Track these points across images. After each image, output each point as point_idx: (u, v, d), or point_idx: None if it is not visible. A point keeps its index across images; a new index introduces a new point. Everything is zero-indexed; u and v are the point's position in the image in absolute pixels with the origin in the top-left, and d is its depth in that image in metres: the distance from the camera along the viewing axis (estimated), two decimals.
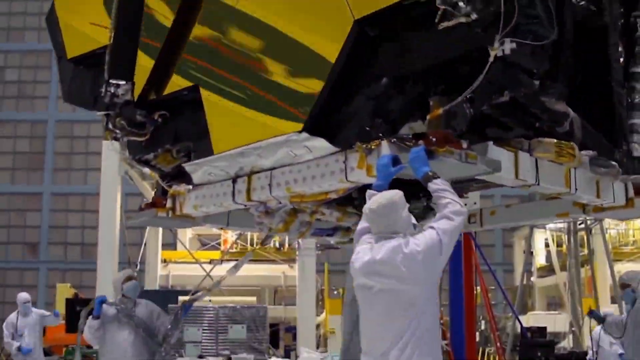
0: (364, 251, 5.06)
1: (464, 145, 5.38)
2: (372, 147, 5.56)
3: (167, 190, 7.66)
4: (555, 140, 5.91)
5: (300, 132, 5.74)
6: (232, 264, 10.44)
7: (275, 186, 6.39)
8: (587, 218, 17.45)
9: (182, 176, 7.49)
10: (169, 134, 7.27)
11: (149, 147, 7.36)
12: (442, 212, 5.00)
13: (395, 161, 5.30)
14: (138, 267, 20.35)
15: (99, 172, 20.42)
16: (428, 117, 5.43)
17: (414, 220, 5.09)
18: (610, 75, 6.27)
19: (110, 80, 6.87)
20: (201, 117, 6.72)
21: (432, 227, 4.92)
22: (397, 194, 5.04)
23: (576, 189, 6.48)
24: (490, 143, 5.70)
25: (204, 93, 6.61)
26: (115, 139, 7.26)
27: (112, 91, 6.84)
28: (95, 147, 40.28)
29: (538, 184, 6.15)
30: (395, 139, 5.52)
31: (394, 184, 5.38)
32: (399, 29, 5.52)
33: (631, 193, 7.07)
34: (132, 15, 6.87)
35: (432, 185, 5.10)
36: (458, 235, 5.07)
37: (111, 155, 17.68)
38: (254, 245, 24.91)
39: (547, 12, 5.21)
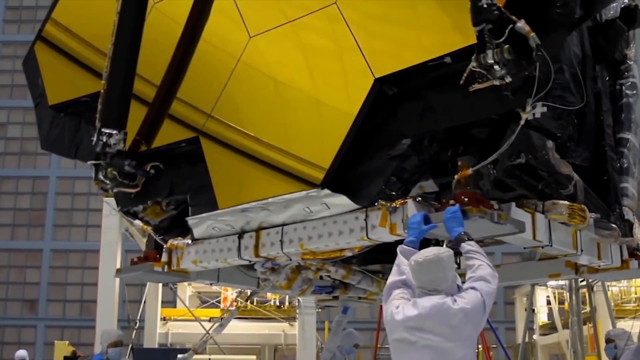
0: (406, 305, 4.91)
1: (495, 206, 5.42)
2: (397, 205, 5.60)
3: (161, 243, 7.52)
4: (568, 203, 5.99)
5: (322, 188, 5.70)
6: (233, 322, 10.36)
7: (288, 242, 6.34)
8: (579, 278, 17.42)
9: (176, 229, 7.44)
10: (163, 186, 7.18)
11: (138, 199, 7.25)
12: (479, 274, 4.93)
13: (426, 220, 5.32)
14: (137, 324, 20.17)
15: (100, 229, 20.36)
16: (456, 177, 5.46)
17: (458, 282, 5.02)
18: (604, 140, 6.44)
19: (103, 129, 6.69)
20: (200, 170, 6.68)
21: (474, 288, 4.85)
22: (445, 252, 4.94)
23: (582, 250, 6.54)
24: (513, 204, 5.74)
25: (207, 147, 6.59)
26: (105, 190, 7.09)
27: (104, 140, 6.66)
28: (96, 204, 40.21)
29: (551, 245, 6.17)
30: (420, 198, 5.59)
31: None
32: (419, 88, 5.54)
33: (625, 255, 7.11)
34: (126, 64, 6.75)
35: (466, 246, 5.07)
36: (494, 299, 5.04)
37: (112, 212, 17.64)
38: (254, 304, 24.78)
39: (575, 79, 5.40)
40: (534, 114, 5.18)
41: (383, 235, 5.76)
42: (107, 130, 6.66)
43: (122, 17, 6.73)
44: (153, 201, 7.40)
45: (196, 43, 6.83)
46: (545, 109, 5.21)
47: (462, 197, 5.33)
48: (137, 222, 7.63)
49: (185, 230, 7.25)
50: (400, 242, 5.39)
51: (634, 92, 6.90)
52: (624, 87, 6.86)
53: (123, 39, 6.72)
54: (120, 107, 6.77)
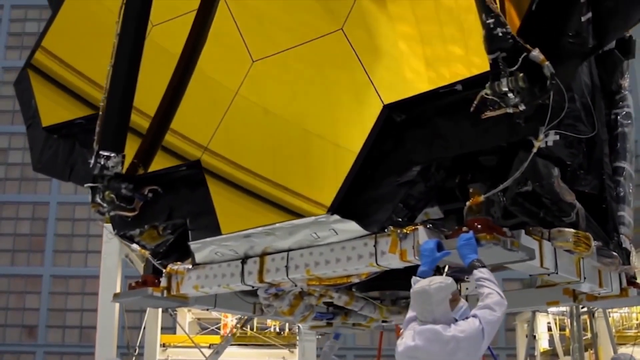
0: (408, 336, 4.95)
1: (508, 233, 5.42)
2: (407, 231, 5.58)
3: (160, 268, 7.45)
4: (573, 231, 6.01)
5: (331, 213, 5.68)
6: (233, 349, 10.30)
7: (293, 268, 6.29)
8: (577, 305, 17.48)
9: (174, 254, 7.39)
10: (161, 210, 7.13)
11: (136, 222, 7.18)
12: (485, 303, 4.93)
13: (439, 247, 5.30)
14: (137, 351, 20.07)
15: (99, 255, 20.30)
16: (468, 204, 5.47)
17: (463, 310, 5.01)
18: (602, 169, 6.49)
19: (101, 152, 6.64)
20: (200, 194, 6.66)
21: (475, 316, 4.84)
22: (435, 284, 4.90)
23: (585, 278, 6.54)
24: (522, 231, 5.74)
25: (208, 178, 6.56)
26: (101, 213, 6.96)
27: (102, 163, 6.60)
28: (96, 229, 40.10)
29: (557, 273, 6.18)
30: (430, 225, 5.59)
31: None
32: (428, 115, 5.57)
33: (624, 283, 7.14)
34: (125, 86, 6.72)
35: (477, 273, 5.06)
36: (498, 327, 5.03)
37: (112, 238, 17.61)
38: (254, 330, 24.68)
39: (585, 108, 5.47)
40: (546, 142, 5.22)
41: (393, 262, 5.74)
42: (105, 153, 6.62)
43: (122, 39, 6.73)
44: (150, 225, 7.34)
45: (196, 60, 6.83)
46: (557, 137, 5.26)
47: (475, 223, 5.34)
48: (135, 246, 7.57)
49: (183, 255, 7.20)
50: (410, 268, 5.41)
51: (629, 121, 6.98)
52: (619, 117, 6.94)
53: (122, 61, 6.71)
54: (118, 129, 6.74)
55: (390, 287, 7.84)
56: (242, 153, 6.51)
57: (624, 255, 6.68)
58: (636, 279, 7.27)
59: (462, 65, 5.38)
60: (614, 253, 6.56)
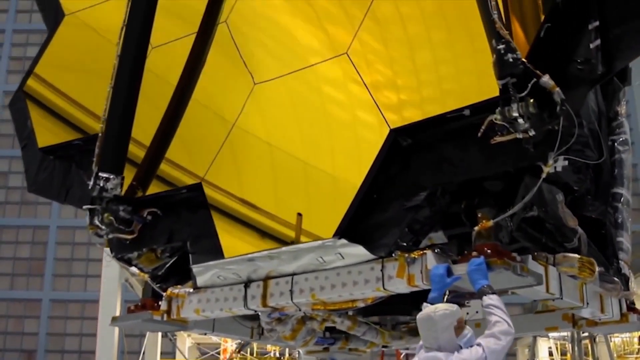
0: None
1: (518, 258, 5.41)
2: (415, 256, 5.57)
3: (159, 291, 7.37)
4: (578, 256, 6.01)
5: (339, 237, 5.66)
6: None
7: (298, 292, 6.24)
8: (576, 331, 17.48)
9: (174, 277, 7.32)
10: (161, 233, 7.07)
11: (134, 245, 7.12)
12: (492, 331, 4.89)
13: (449, 272, 5.28)
14: None
15: (99, 279, 20.25)
16: (477, 228, 5.45)
17: (468, 337, 4.96)
18: (609, 195, 6.58)
19: (100, 173, 6.63)
20: (201, 217, 6.63)
21: (479, 345, 4.81)
22: (440, 311, 4.89)
23: (587, 303, 6.52)
24: (530, 257, 5.73)
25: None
26: (99, 235, 6.93)
27: (101, 185, 6.60)
28: (96, 253, 40.04)
29: (562, 298, 6.15)
30: (438, 249, 5.57)
31: None
32: (435, 140, 5.59)
33: (624, 308, 7.12)
34: (126, 107, 6.72)
35: (487, 300, 5.02)
36: (504, 356, 4.97)
37: (112, 262, 17.60)
38: (254, 355, 24.58)
39: (593, 134, 5.51)
40: (555, 168, 5.19)
41: (400, 287, 5.72)
42: (104, 175, 6.60)
43: (122, 60, 6.76)
44: (148, 248, 7.27)
45: (195, 83, 6.87)
46: (566, 162, 5.25)
47: (485, 248, 5.31)
48: (135, 269, 7.48)
49: (183, 278, 7.15)
50: (417, 293, 5.42)
51: (626, 147, 7.00)
52: (616, 144, 6.96)
53: (122, 82, 6.73)
54: (117, 150, 6.74)
55: (390, 312, 7.79)
56: (241, 184, 6.52)
57: (623, 281, 6.69)
58: (634, 304, 7.26)
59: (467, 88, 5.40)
60: (616, 279, 6.56)
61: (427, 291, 5.33)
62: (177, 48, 7.25)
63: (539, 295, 6.10)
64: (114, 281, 19.04)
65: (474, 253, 5.30)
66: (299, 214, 5.81)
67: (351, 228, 5.67)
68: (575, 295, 6.40)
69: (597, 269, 6.12)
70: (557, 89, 4.87)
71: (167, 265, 7.49)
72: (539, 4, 5.49)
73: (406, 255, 5.60)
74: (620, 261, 6.71)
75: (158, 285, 7.43)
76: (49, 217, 47.00)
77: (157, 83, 7.15)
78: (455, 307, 4.93)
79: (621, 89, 7.06)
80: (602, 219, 6.60)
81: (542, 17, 5.34)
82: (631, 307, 7.17)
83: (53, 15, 8.78)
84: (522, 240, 5.95)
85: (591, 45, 5.17)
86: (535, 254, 5.95)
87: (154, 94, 7.01)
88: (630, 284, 6.83)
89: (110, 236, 6.92)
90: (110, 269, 19.26)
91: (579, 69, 5.14)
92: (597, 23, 5.22)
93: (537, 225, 5.89)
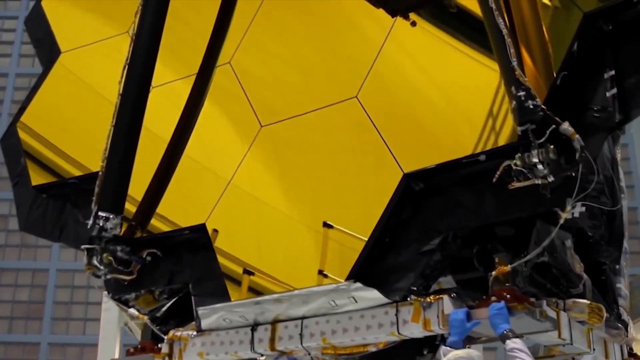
0: None
1: (536, 303, 5.44)
2: (431, 300, 5.57)
3: (159, 334, 7.24)
4: (587, 302, 6.01)
5: (354, 281, 5.65)
6: None
7: (308, 336, 6.16)
8: None
9: (174, 320, 7.23)
10: (161, 274, 6.99)
11: (133, 286, 7.04)
12: None
13: (468, 316, 5.31)
14: None
15: (98, 323, 20.09)
16: (494, 273, 5.48)
17: None
18: (622, 241, 6.54)
19: (99, 213, 6.57)
20: (203, 258, 6.60)
21: None
22: (466, 355, 4.98)
23: (594, 349, 6.47)
24: (544, 302, 5.71)
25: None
26: (96, 276, 6.83)
27: (101, 224, 6.53)
28: (95, 297, 39.87)
29: (572, 344, 6.11)
30: (454, 294, 5.59)
31: None
32: (448, 184, 5.64)
33: (625, 354, 7.13)
34: (126, 146, 6.72)
35: (511, 344, 5.06)
36: None
37: (111, 305, 17.47)
38: None
39: (607, 181, 5.62)
40: (572, 214, 5.26)
41: (415, 331, 5.68)
42: (104, 214, 6.55)
43: (124, 99, 6.76)
44: (147, 290, 7.18)
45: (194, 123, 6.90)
46: (583, 209, 5.32)
47: (504, 293, 5.34)
48: (134, 311, 7.38)
49: (183, 321, 7.06)
50: (418, 340, 5.41)
51: (622, 195, 7.04)
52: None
53: (123, 121, 6.72)
54: (117, 190, 6.69)
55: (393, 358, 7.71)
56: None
57: (624, 327, 6.71)
58: (633, 350, 7.29)
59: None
60: (620, 325, 6.59)
61: (428, 337, 5.47)
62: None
63: (552, 341, 6.07)
64: (113, 325, 18.86)
65: (493, 298, 5.33)
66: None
67: (364, 272, 5.67)
68: (583, 340, 6.37)
69: (605, 314, 6.11)
70: (577, 136, 4.94)
71: (166, 307, 7.39)
72: (543, 31, 5.63)
73: (422, 299, 5.59)
74: (620, 307, 6.71)
75: (158, 327, 7.31)
76: (48, 260, 46.86)
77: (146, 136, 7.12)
78: (475, 353, 5.03)
79: (619, 137, 7.09)
80: (602, 265, 6.59)
81: (548, 39, 5.52)
82: (631, 354, 7.20)
83: (48, 52, 8.84)
84: (528, 285, 5.89)
85: (607, 94, 5.23)
86: (547, 299, 5.94)
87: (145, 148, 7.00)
88: (629, 330, 6.86)
89: (109, 276, 6.82)
90: (110, 312, 19.09)
91: (596, 116, 5.20)
92: (612, 72, 5.28)
93: (542, 271, 5.89)
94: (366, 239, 5.73)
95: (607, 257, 6.16)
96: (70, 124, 8.12)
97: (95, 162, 7.16)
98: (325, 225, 6.08)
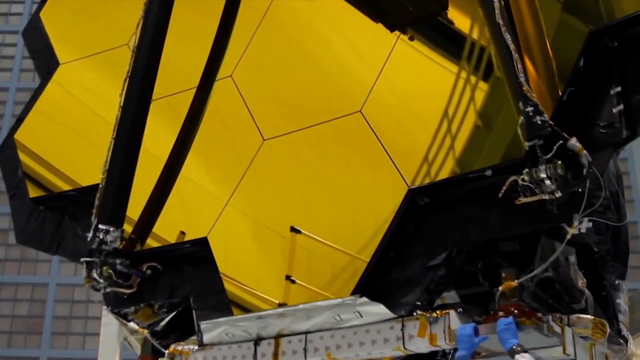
0: None
1: (544, 318, 5.47)
2: (438, 315, 5.58)
3: (159, 348, 7.17)
4: (591, 317, 6.00)
5: (360, 296, 5.65)
6: None
7: (312, 351, 6.13)
8: None
9: (174, 334, 7.20)
10: (162, 288, 6.94)
11: (133, 300, 6.98)
12: None
13: (476, 331, 5.32)
14: None
15: (98, 337, 20.05)
16: (501, 288, 5.50)
17: None
18: (628, 257, 6.47)
19: (99, 225, 6.55)
20: (205, 272, 6.57)
21: None
22: None
23: None
24: (550, 317, 5.72)
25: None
26: (96, 289, 6.80)
27: (101, 237, 6.51)
28: (95, 311, 39.79)
29: (575, 359, 6.09)
30: (461, 309, 5.62)
31: None
32: (454, 199, 5.66)
33: None
34: (127, 158, 6.71)
35: (520, 359, 5.06)
36: None
37: (111, 320, 17.42)
38: None
39: (613, 196, 5.62)
40: (579, 229, 5.27)
41: (421, 346, 5.69)
42: (104, 227, 6.53)
43: (124, 111, 6.77)
44: (146, 303, 7.14)
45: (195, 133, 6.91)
46: (590, 224, 5.33)
47: (511, 308, 5.36)
48: (134, 325, 7.32)
49: (183, 335, 7.06)
50: (433, 354, 5.54)
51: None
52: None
53: (124, 134, 6.72)
54: (118, 202, 6.67)
55: None
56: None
57: (624, 342, 6.72)
58: None
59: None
60: (621, 340, 6.60)
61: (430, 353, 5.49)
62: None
63: (556, 356, 6.02)
64: (113, 340, 18.77)
65: (501, 313, 5.34)
66: None
67: (370, 286, 5.68)
68: (586, 356, 6.35)
69: (608, 330, 6.11)
70: (585, 151, 4.96)
71: (165, 321, 7.36)
72: (547, 46, 5.66)
73: (428, 314, 5.60)
74: (620, 323, 6.71)
75: (158, 341, 7.25)
76: (48, 275, 46.79)
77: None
78: None
79: (620, 150, 7.09)
80: (602, 281, 6.58)
81: (551, 54, 5.56)
82: None
83: (46, 63, 8.82)
84: (531, 301, 5.90)
85: (614, 110, 5.26)
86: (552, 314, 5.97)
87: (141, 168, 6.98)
88: (629, 345, 6.86)
89: (108, 290, 6.79)
90: (109, 327, 19.00)
91: (602, 132, 5.22)
92: (618, 89, 5.31)
93: (544, 286, 5.89)
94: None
95: (613, 273, 6.18)
96: (64, 141, 8.12)
97: (87, 178, 7.24)
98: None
